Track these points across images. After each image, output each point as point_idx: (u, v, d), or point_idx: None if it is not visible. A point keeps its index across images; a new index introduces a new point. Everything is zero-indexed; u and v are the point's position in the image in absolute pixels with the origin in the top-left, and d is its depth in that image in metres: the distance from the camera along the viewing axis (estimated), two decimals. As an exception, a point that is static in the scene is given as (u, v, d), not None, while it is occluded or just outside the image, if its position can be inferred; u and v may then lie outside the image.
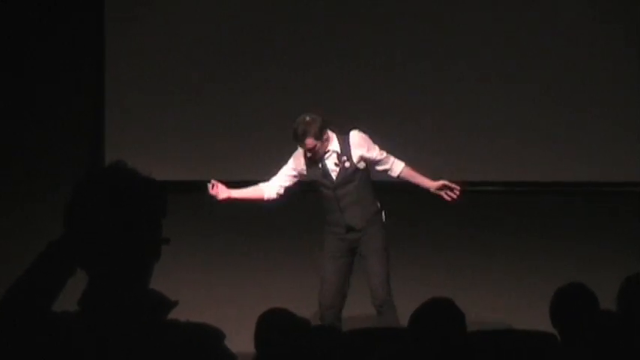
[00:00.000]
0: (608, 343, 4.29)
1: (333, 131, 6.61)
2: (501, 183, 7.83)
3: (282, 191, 6.72)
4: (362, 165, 6.60)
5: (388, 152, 6.64)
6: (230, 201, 6.66)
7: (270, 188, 6.73)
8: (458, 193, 6.64)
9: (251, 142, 7.91)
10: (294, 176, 6.73)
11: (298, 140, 6.53)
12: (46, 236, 2.16)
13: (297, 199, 7.73)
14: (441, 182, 6.66)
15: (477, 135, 7.76)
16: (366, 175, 6.64)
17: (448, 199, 6.65)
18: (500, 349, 4.98)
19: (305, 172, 6.71)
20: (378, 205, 6.67)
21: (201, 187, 7.95)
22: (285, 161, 6.89)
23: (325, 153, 6.59)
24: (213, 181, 6.66)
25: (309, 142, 6.50)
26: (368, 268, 6.63)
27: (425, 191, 6.71)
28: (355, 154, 6.58)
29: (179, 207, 6.93)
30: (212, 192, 6.65)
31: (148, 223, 2.10)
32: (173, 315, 2.08)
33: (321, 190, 6.69)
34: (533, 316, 7.16)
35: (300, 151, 6.70)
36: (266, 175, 7.86)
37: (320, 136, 6.51)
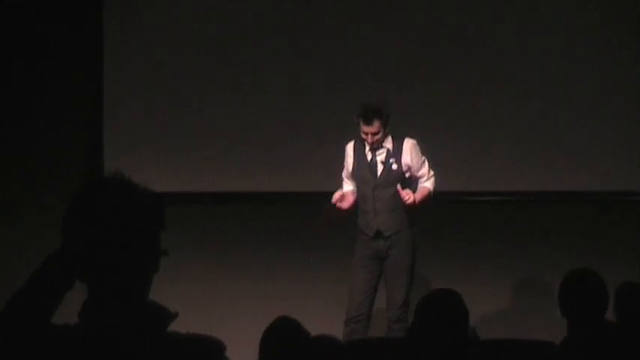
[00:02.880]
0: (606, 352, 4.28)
1: (390, 133, 6.65)
2: (497, 193, 7.83)
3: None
4: (407, 173, 6.63)
5: (431, 170, 6.71)
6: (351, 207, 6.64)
7: (352, 187, 6.78)
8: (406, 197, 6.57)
9: (250, 153, 7.90)
10: (350, 177, 6.79)
11: (368, 119, 6.53)
12: (44, 247, 2.15)
13: (301, 211, 7.74)
14: (411, 195, 6.59)
15: (474, 145, 7.76)
16: (407, 184, 6.65)
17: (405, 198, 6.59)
18: (501, 357, 4.97)
19: (351, 167, 6.74)
20: (411, 221, 6.68)
21: (200, 198, 7.98)
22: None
23: (379, 148, 6.60)
24: (338, 194, 6.63)
25: (377, 124, 6.54)
26: (389, 282, 6.64)
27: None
28: (405, 161, 6.63)
29: (178, 219, 6.96)
30: (340, 204, 6.61)
31: (146, 235, 2.09)
32: (174, 327, 2.07)
33: (361, 189, 6.71)
34: (532, 325, 7.20)
35: (349, 146, 6.75)
36: (269, 186, 7.88)
37: (386, 125, 6.54)
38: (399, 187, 6.57)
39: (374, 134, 6.55)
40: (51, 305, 2.06)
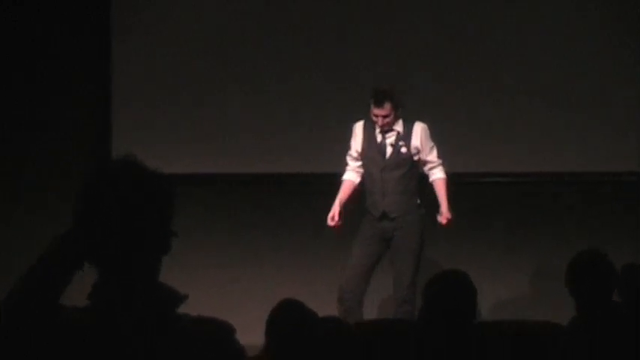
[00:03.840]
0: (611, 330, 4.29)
1: (401, 116, 6.65)
2: (498, 174, 7.84)
3: (361, 170, 6.78)
4: (416, 157, 6.64)
5: (440, 158, 6.72)
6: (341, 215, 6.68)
7: (353, 174, 6.80)
8: (445, 223, 6.65)
9: (259, 135, 7.90)
10: (357, 158, 6.79)
11: (379, 101, 6.53)
12: (55, 230, 2.16)
13: (307, 195, 7.74)
14: (446, 214, 6.64)
15: (475, 128, 7.76)
16: (415, 168, 6.68)
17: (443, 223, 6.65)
18: (507, 338, 4.98)
19: (360, 148, 6.74)
20: (418, 201, 6.69)
21: (210, 180, 7.99)
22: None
23: (389, 131, 6.60)
24: (330, 219, 6.66)
25: (388, 106, 6.54)
26: (396, 264, 6.65)
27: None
28: (414, 144, 6.64)
29: (188, 200, 6.97)
30: (333, 224, 6.67)
31: (156, 217, 2.09)
32: (183, 308, 2.08)
33: (369, 169, 6.72)
34: (540, 308, 7.20)
35: (358, 126, 6.74)
36: (273, 168, 7.88)
37: (397, 108, 6.55)
38: (440, 219, 6.63)
39: (384, 116, 6.55)
40: (60, 285, 2.05)
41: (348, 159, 6.82)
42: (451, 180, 6.89)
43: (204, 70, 7.95)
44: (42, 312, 2.02)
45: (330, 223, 6.67)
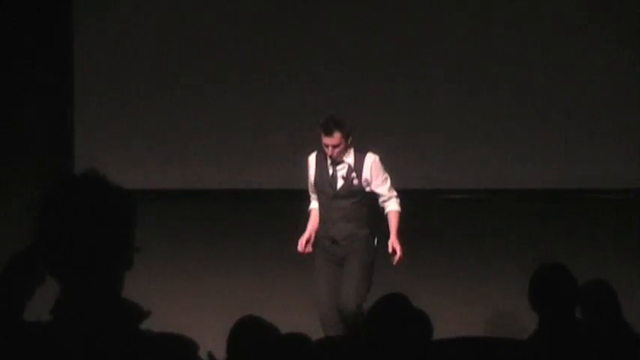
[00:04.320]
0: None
1: (353, 146, 6.65)
2: (487, 191, 7.87)
3: None
4: (368, 188, 6.64)
5: (391, 191, 6.69)
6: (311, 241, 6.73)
7: (317, 204, 6.84)
8: (397, 258, 6.63)
9: (224, 149, 7.89)
10: (313, 189, 6.84)
11: (328, 130, 6.52)
12: (15, 244, 2.14)
13: (273, 206, 7.74)
14: (393, 244, 6.64)
15: (471, 142, 7.79)
16: (365, 197, 6.68)
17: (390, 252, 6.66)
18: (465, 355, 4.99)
19: (313, 180, 6.77)
20: (368, 230, 6.70)
21: (171, 195, 7.97)
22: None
23: (339, 163, 6.62)
24: (301, 244, 6.70)
25: (337, 136, 6.53)
26: (342, 277, 6.66)
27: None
28: (365, 176, 6.63)
29: (149, 215, 6.94)
30: (302, 250, 6.71)
31: (118, 232, 2.08)
32: (146, 324, 2.06)
33: (320, 199, 6.76)
34: (519, 324, 7.21)
35: (311, 158, 6.77)
36: (236, 183, 7.87)
37: (347, 138, 6.55)
38: (389, 250, 6.63)
39: (334, 146, 6.56)
40: (21, 301, 2.04)
41: (309, 190, 6.87)
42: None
43: (168, 82, 7.93)
44: (4, 326, 2.00)
45: (300, 248, 6.72)
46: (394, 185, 6.68)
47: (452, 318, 7.59)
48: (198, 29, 7.91)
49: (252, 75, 7.89)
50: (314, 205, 6.88)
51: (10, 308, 2.04)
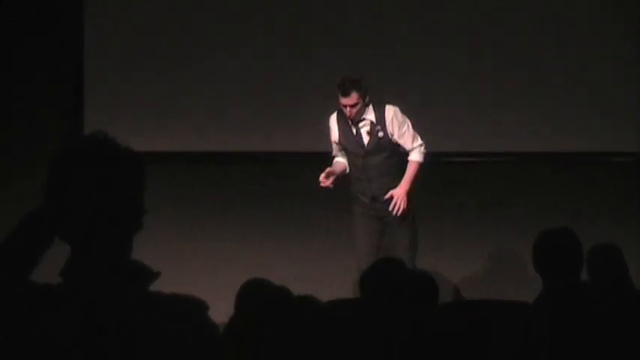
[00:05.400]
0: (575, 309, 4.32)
1: (371, 102, 6.62)
2: (490, 154, 7.86)
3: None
4: (394, 139, 6.64)
5: (415, 141, 6.65)
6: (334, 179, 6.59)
7: (342, 158, 6.80)
8: (394, 207, 6.58)
9: (232, 113, 7.88)
10: (340, 148, 6.82)
11: (345, 91, 6.54)
12: (26, 208, 2.15)
13: (282, 171, 7.75)
14: (396, 193, 6.59)
15: (473, 105, 7.77)
16: (396, 150, 6.68)
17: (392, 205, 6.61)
18: (471, 317, 5.01)
19: (338, 139, 6.77)
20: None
21: (181, 157, 7.97)
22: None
23: (361, 121, 6.60)
24: (323, 176, 6.56)
25: (354, 96, 6.54)
26: (396, 240, 6.67)
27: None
28: (388, 129, 6.63)
29: (159, 177, 6.95)
30: (327, 184, 6.55)
31: (128, 193, 2.08)
32: (155, 286, 2.07)
33: (350, 158, 6.75)
34: (521, 287, 7.23)
35: (332, 119, 6.76)
36: (243, 146, 7.87)
37: (364, 97, 6.55)
38: (391, 197, 6.58)
39: (352, 106, 6.56)
40: (31, 262, 2.05)
41: (334, 151, 6.87)
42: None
43: (185, 44, 7.91)
44: (13, 289, 2.01)
45: (323, 180, 6.57)
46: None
47: (455, 281, 7.64)
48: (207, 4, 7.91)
49: (264, 36, 7.87)
50: (338, 158, 6.81)
51: (19, 270, 2.05)
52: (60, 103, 7.94)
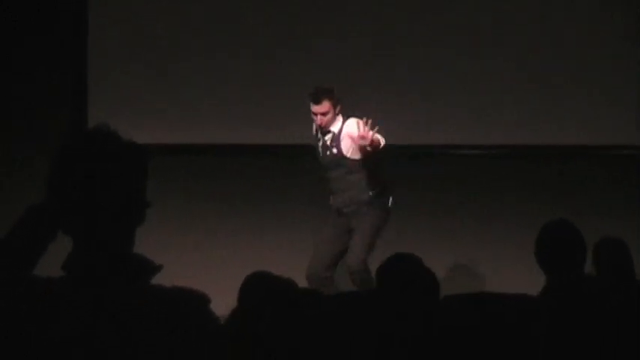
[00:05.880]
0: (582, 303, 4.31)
1: (340, 114, 6.58)
2: (487, 146, 7.85)
3: None
4: (351, 154, 6.55)
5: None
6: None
7: None
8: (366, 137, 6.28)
9: (235, 105, 7.88)
10: None
11: (316, 97, 6.52)
12: (28, 201, 2.14)
13: (285, 164, 7.74)
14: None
15: (473, 98, 7.77)
16: (357, 163, 6.58)
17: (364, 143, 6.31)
18: (476, 311, 5.00)
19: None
20: (370, 193, 6.61)
21: (184, 150, 7.97)
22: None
23: (327, 132, 6.57)
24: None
25: (325, 104, 6.51)
26: (351, 238, 6.68)
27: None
28: (344, 142, 6.55)
29: (161, 170, 6.95)
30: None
31: (130, 187, 2.08)
32: (158, 279, 2.07)
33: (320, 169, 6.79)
34: (521, 281, 7.23)
35: (314, 127, 6.73)
36: (246, 139, 7.87)
37: (335, 106, 6.50)
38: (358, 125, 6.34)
39: (323, 114, 6.53)
40: (33, 256, 2.05)
41: None
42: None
43: (186, 38, 7.91)
44: (16, 283, 2.01)
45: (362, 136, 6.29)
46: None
47: (455, 277, 7.63)
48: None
49: (264, 33, 7.86)
50: None
51: (21, 264, 2.05)
52: (60, 103, 7.94)
